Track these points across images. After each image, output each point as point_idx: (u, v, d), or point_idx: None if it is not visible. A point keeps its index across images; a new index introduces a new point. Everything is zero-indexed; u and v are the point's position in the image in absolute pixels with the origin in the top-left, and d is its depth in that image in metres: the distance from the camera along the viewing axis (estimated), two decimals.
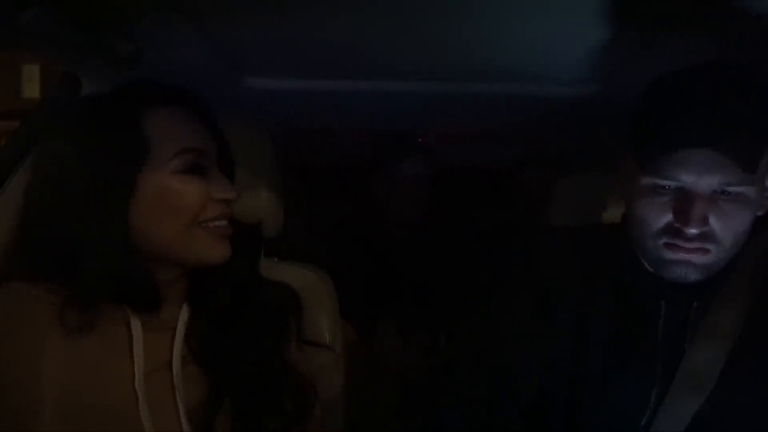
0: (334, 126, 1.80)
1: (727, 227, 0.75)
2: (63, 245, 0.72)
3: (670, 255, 0.77)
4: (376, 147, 1.78)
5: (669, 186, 0.76)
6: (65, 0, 0.79)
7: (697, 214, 0.74)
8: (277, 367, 0.82)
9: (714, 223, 0.75)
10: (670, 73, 0.79)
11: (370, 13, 0.94)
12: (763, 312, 0.80)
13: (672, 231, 0.76)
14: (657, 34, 0.96)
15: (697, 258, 0.76)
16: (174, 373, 0.76)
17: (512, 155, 1.96)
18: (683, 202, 0.75)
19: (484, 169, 2.16)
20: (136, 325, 0.75)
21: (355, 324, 1.40)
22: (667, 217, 0.76)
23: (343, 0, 0.89)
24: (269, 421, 0.78)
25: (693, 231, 0.74)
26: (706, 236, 0.75)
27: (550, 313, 0.86)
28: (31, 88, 2.41)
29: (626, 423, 0.81)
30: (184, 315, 0.80)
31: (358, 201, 1.87)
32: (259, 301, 0.84)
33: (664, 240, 0.77)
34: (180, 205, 0.75)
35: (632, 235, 0.83)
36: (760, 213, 0.80)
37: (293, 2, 0.90)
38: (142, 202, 0.73)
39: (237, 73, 1.26)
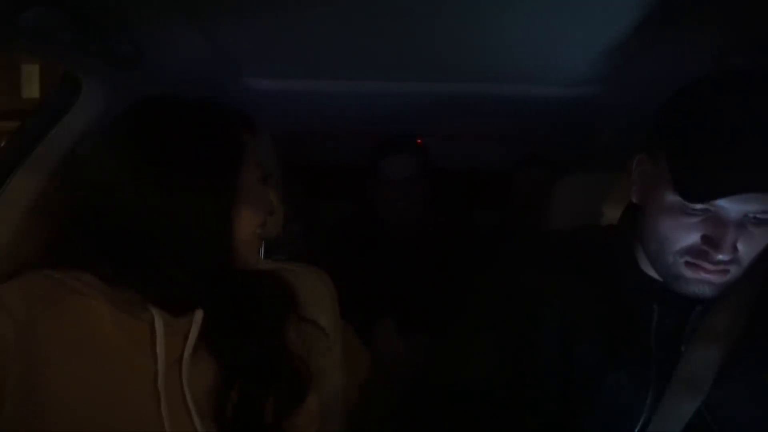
0: (333, 127, 1.80)
1: (752, 251, 0.74)
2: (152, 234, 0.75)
3: (690, 274, 0.76)
4: (371, 148, 1.78)
5: (701, 210, 0.74)
6: (65, 0, 0.79)
7: (730, 241, 0.72)
8: (276, 348, 0.84)
9: (741, 247, 0.74)
10: (708, 90, 0.75)
11: (369, 14, 0.94)
12: (761, 316, 0.80)
13: (697, 252, 0.75)
14: (657, 35, 0.96)
15: (717, 279, 0.75)
16: (183, 369, 0.77)
17: (512, 156, 1.96)
18: (716, 228, 0.73)
19: (484, 170, 2.16)
20: (159, 326, 0.76)
21: (355, 324, 1.40)
22: (694, 238, 0.75)
23: (342, 1, 0.89)
24: (269, 398, 0.80)
25: (724, 257, 0.73)
26: (731, 259, 0.74)
27: (542, 316, 0.86)
28: (31, 88, 2.41)
29: (622, 426, 0.81)
30: (198, 317, 0.80)
31: (358, 202, 1.87)
32: (261, 295, 0.87)
33: (686, 259, 0.76)
34: (260, 209, 0.83)
35: (647, 247, 0.82)
36: None
37: (293, 3, 0.90)
38: (237, 200, 0.79)
39: (236, 73, 1.26)
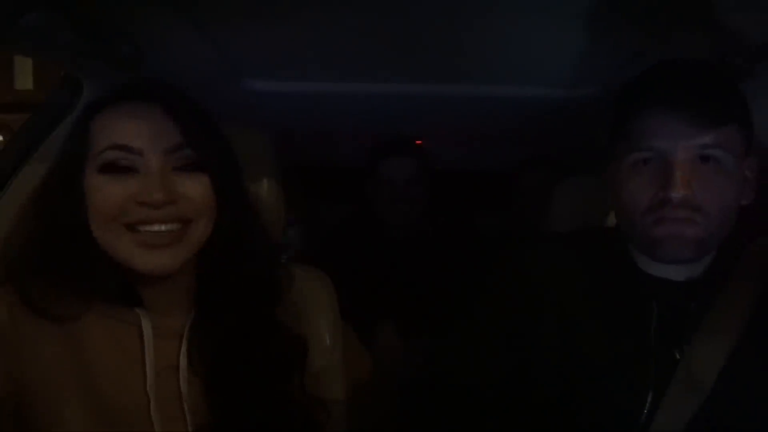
0: (333, 128, 1.80)
1: (710, 195, 0.76)
2: (36, 238, 0.73)
3: (659, 231, 0.77)
4: (369, 149, 1.78)
5: (649, 159, 0.78)
6: (66, 3, 0.79)
7: (678, 177, 0.74)
8: (288, 392, 0.80)
9: (697, 189, 0.75)
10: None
11: (369, 15, 0.94)
12: (762, 314, 0.80)
13: (658, 203, 0.77)
14: (656, 35, 0.96)
15: (686, 230, 0.76)
16: (181, 379, 0.76)
17: (512, 157, 1.96)
18: (664, 170, 0.76)
19: (484, 172, 2.16)
20: (147, 329, 0.75)
21: (355, 326, 1.40)
22: (651, 192, 0.77)
23: (342, 3, 0.89)
24: None
25: (677, 195, 0.74)
26: (691, 204, 0.75)
27: (542, 317, 0.87)
28: (24, 80, 2.39)
29: (622, 426, 0.81)
30: (190, 322, 0.79)
31: (358, 203, 1.87)
32: (275, 319, 0.81)
33: (651, 217, 0.77)
34: (99, 205, 0.71)
35: (624, 228, 0.83)
36: (745, 202, 0.81)
37: (293, 5, 0.90)
38: (86, 200, 0.72)
39: (237, 74, 1.26)
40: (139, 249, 0.71)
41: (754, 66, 0.94)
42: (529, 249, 0.95)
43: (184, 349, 0.77)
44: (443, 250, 1.71)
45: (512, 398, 0.88)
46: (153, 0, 0.87)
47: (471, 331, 0.93)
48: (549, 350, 0.86)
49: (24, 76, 2.40)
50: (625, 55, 1.06)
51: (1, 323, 0.71)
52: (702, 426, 0.78)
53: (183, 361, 0.76)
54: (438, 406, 0.92)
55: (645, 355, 0.81)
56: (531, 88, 1.32)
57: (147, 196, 0.70)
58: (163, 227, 0.71)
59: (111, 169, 0.71)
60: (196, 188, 0.73)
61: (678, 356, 0.80)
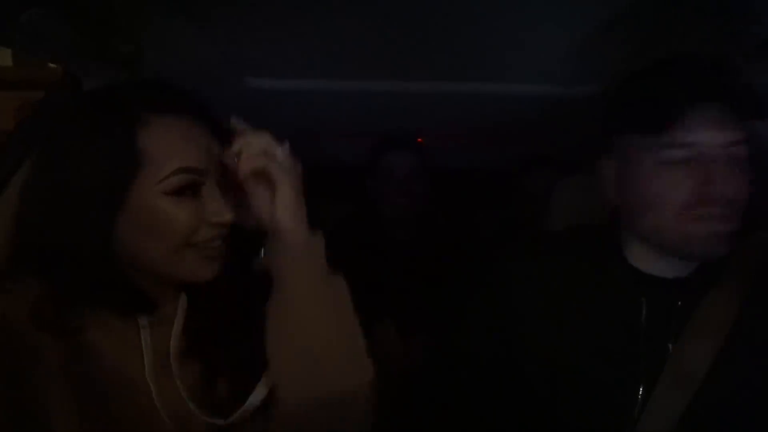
0: (333, 127, 1.80)
1: (743, 191, 0.75)
2: (49, 247, 0.71)
3: (697, 229, 0.75)
4: (370, 145, 1.78)
5: (686, 155, 0.75)
6: (66, 2, 0.79)
7: (720, 174, 0.73)
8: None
9: (734, 186, 0.74)
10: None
11: (370, 14, 0.94)
12: (753, 311, 0.80)
13: (698, 202, 0.75)
14: (657, 34, 0.96)
15: (722, 227, 0.75)
16: (171, 358, 0.77)
17: (512, 156, 1.96)
18: (707, 166, 0.74)
19: (485, 170, 2.16)
20: (143, 318, 0.76)
21: None
22: (688, 190, 0.75)
23: (343, 1, 0.89)
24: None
25: (718, 193, 0.73)
26: (729, 201, 0.74)
27: (534, 314, 0.87)
28: (3, 56, 2.35)
29: (615, 421, 0.82)
30: (183, 305, 0.80)
31: (358, 202, 1.87)
32: (251, 289, 0.83)
33: (688, 215, 0.76)
34: (169, 228, 0.70)
35: (645, 225, 0.81)
36: None
37: (294, 3, 0.90)
38: (130, 216, 0.70)
39: (237, 73, 1.26)
40: (200, 263, 0.74)
41: (753, 65, 0.94)
42: (522, 247, 0.96)
43: (176, 331, 0.78)
44: (443, 249, 1.71)
45: (507, 394, 0.89)
46: None
47: (466, 330, 0.94)
48: (541, 346, 0.86)
49: (2, 52, 2.35)
50: (624, 54, 1.06)
51: None
52: (693, 420, 0.78)
53: (174, 343, 0.77)
54: (437, 404, 0.93)
55: (635, 351, 0.82)
56: (531, 86, 1.32)
57: (221, 216, 0.73)
58: (220, 241, 0.75)
59: (180, 191, 0.71)
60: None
61: (668, 352, 0.81)
